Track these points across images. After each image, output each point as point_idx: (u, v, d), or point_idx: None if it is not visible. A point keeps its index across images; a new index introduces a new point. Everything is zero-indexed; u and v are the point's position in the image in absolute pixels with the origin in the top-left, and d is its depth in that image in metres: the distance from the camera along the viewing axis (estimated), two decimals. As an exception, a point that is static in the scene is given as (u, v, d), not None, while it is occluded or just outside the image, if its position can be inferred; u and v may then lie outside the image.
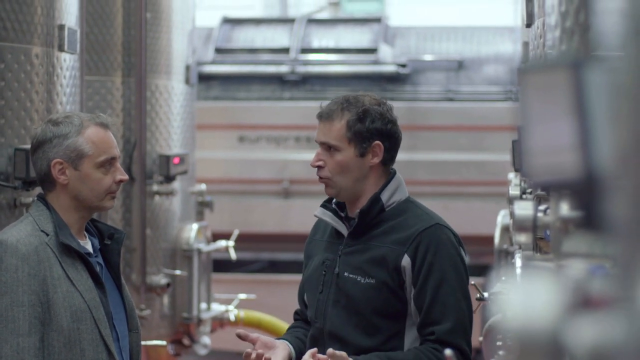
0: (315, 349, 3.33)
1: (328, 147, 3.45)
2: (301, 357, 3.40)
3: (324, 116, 3.46)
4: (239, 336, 3.38)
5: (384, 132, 3.44)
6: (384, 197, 3.46)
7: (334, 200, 3.53)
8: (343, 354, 3.26)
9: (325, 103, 3.51)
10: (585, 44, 2.14)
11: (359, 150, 3.43)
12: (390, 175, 3.50)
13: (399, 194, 3.49)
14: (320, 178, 3.47)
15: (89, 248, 3.36)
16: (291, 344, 3.50)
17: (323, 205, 3.55)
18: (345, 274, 3.44)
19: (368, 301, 3.40)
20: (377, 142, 3.43)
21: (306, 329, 3.62)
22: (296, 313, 3.73)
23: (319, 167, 3.46)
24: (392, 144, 3.47)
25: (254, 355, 3.35)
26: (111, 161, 3.35)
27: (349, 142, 3.43)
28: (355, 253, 3.45)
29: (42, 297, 3.20)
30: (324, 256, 3.52)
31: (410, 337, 3.41)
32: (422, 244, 3.38)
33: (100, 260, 3.39)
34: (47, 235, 3.26)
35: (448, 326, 3.34)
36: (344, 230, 3.49)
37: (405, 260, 3.38)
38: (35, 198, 3.41)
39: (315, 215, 3.57)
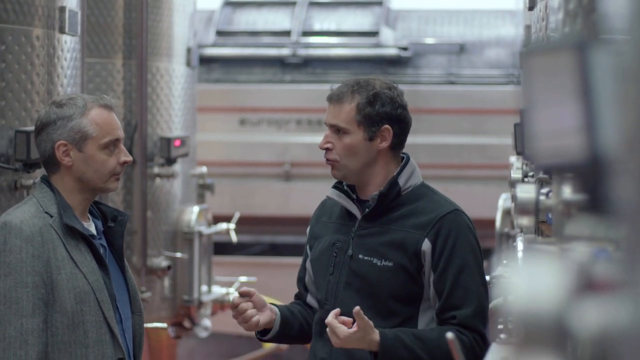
0: (338, 310, 3.31)
1: (337, 130, 3.42)
2: (287, 323, 3.43)
3: (334, 98, 3.43)
4: (241, 293, 3.39)
5: (394, 116, 3.42)
6: (401, 180, 3.43)
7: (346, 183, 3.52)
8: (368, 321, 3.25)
9: (335, 85, 3.49)
10: (589, 26, 2.13)
11: (368, 134, 3.40)
12: (403, 159, 3.49)
13: (415, 178, 3.47)
14: (327, 160, 3.46)
15: (93, 230, 3.36)
16: (279, 310, 3.49)
17: (335, 187, 3.53)
18: (360, 256, 3.41)
19: (384, 284, 3.38)
20: (387, 126, 3.41)
21: (303, 308, 3.60)
22: (296, 296, 3.71)
23: (327, 150, 3.44)
24: (402, 128, 3.45)
25: (243, 306, 3.36)
26: (115, 143, 3.35)
27: (358, 125, 3.40)
28: (371, 235, 3.42)
29: (46, 279, 3.20)
30: (334, 238, 3.49)
31: (424, 321, 3.40)
32: (443, 229, 3.36)
33: (103, 242, 3.39)
34: (51, 216, 3.26)
35: (469, 311, 3.34)
36: (356, 212, 3.47)
37: (426, 245, 3.36)
38: (39, 180, 3.40)
39: (328, 197, 3.55)
